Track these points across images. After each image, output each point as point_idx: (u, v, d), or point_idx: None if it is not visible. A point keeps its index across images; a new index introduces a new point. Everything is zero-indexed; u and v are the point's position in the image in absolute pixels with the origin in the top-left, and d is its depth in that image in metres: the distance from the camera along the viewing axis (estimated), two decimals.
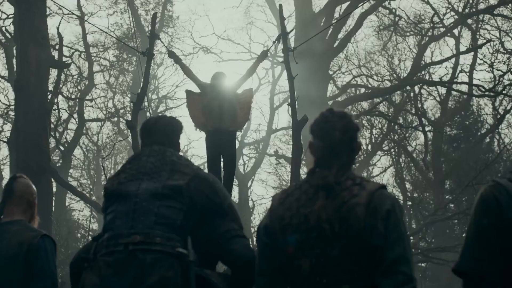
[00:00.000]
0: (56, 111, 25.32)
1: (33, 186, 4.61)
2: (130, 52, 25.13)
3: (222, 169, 9.53)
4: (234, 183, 30.81)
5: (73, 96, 27.82)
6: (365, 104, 25.85)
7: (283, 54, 10.81)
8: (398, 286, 2.81)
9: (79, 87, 28.34)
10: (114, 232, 3.64)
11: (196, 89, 9.98)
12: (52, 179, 13.64)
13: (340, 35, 21.27)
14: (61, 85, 26.96)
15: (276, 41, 11.21)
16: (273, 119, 32.80)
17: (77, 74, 27.73)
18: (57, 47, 21.92)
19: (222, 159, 9.51)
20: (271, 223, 3.18)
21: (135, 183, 3.79)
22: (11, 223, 4.32)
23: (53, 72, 20.84)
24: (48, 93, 18.36)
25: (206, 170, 9.81)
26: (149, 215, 3.63)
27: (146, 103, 28.57)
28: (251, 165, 34.61)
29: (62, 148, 27.52)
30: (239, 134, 29.38)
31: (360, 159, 28.94)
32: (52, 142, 26.07)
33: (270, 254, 3.15)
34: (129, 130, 12.58)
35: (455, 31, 24.36)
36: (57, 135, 27.24)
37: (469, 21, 22.86)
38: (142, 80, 11.48)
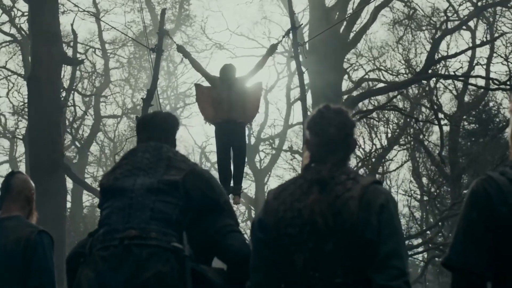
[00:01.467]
0: (72, 107, 25.44)
1: (31, 182, 4.65)
2: (146, 50, 25.11)
3: (232, 161, 9.57)
4: (250, 178, 30.46)
5: (88, 93, 27.92)
6: (381, 99, 25.71)
7: (293, 48, 10.81)
8: (391, 281, 2.80)
9: (95, 84, 28.45)
10: (110, 227, 3.63)
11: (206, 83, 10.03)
12: (66, 176, 13.72)
13: (354, 30, 21.15)
14: (76, 82, 27.12)
15: (286, 35, 11.22)
16: (290, 114, 32.74)
17: (92, 71, 27.82)
18: (72, 44, 22.03)
19: (232, 151, 9.55)
20: (265, 217, 3.17)
21: (131, 178, 3.78)
22: (8, 219, 4.35)
23: (69, 69, 21.00)
24: (62, 90, 18.41)
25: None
26: (145, 210, 3.62)
27: (161, 100, 28.72)
28: (267, 161, 34.58)
29: (78, 144, 27.63)
30: (255, 129, 29.30)
31: (376, 154, 28.84)
32: (68, 139, 26.23)
33: (264, 249, 3.15)
34: None
35: (471, 24, 24.21)
36: (73, 131, 27.36)
37: (485, 13, 22.65)
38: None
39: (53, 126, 12.81)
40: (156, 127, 4.13)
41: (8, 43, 25.42)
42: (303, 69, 10.37)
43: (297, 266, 2.96)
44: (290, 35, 10.89)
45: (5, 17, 24.29)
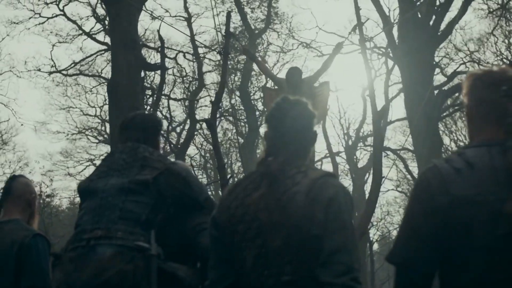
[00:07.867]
0: (168, 113, 25.96)
1: (33, 186, 4.72)
2: (236, 51, 25.18)
3: None
4: (349, 178, 30.27)
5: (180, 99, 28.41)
6: None
7: (360, 44, 10.65)
8: (335, 277, 2.64)
9: (190, 88, 28.87)
10: (80, 228, 3.70)
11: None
12: None
13: (444, 22, 20.54)
14: (172, 87, 27.63)
15: (352, 32, 11.08)
16: (388, 111, 32.30)
17: (184, 75, 28.28)
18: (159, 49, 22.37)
19: None
20: (218, 214, 3.07)
21: (104, 179, 3.83)
22: (6, 223, 4.44)
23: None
24: (149, 96, 18.61)
25: None
26: (114, 210, 3.66)
27: (253, 102, 28.79)
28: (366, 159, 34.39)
29: (174, 149, 28.06)
30: (353, 127, 29.02)
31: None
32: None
33: (218, 247, 3.05)
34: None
35: None
36: (175, 136, 27.82)
37: None
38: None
39: None
40: (135, 127, 4.14)
41: (103, 52, 26.14)
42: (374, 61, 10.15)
43: (248, 263, 2.85)
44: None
45: (98, 26, 25.07)
